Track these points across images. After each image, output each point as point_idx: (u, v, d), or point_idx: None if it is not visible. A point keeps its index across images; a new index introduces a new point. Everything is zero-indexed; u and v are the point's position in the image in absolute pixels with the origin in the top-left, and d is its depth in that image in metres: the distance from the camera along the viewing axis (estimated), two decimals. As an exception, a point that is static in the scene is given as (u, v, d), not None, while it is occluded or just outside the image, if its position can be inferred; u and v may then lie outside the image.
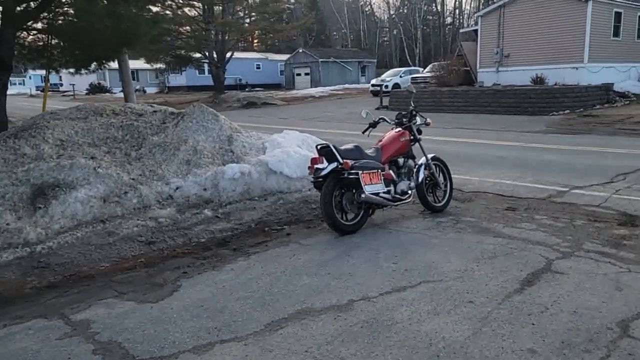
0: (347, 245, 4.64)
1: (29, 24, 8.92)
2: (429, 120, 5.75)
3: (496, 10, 22.38)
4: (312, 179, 4.96)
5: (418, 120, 5.66)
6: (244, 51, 52.27)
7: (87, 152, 5.97)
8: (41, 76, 54.80)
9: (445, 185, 5.84)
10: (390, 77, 31.84)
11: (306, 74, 45.66)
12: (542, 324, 3.05)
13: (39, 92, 55.17)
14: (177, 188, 5.73)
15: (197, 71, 40.73)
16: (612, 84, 19.02)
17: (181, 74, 42.39)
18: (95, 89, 46.31)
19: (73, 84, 44.90)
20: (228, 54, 32.32)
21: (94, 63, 9.60)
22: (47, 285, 3.84)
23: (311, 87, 41.89)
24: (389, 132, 5.56)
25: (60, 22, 9.40)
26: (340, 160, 4.74)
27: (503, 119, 16.37)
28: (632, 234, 4.67)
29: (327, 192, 4.76)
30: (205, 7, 31.05)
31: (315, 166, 4.81)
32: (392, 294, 3.57)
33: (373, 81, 32.64)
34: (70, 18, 9.16)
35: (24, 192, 5.07)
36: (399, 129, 5.55)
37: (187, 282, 3.86)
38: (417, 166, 5.57)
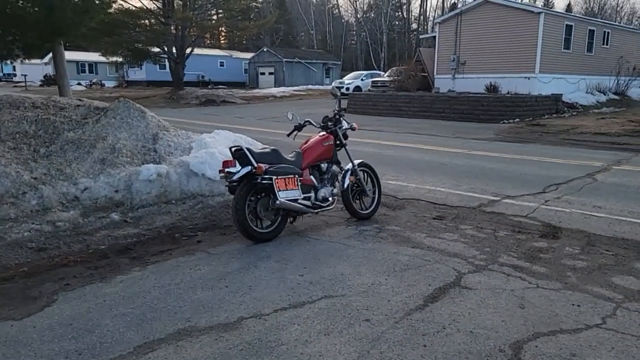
0: (257, 254, 4.37)
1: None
2: (354, 124, 5.55)
3: (454, 18, 22.63)
4: (227, 184, 4.67)
5: (344, 124, 5.45)
6: (210, 48, 51.34)
7: (-11, 148, 5.49)
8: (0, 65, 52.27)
9: (374, 192, 5.65)
10: (351, 79, 31.84)
11: (270, 73, 45.23)
12: (434, 345, 2.86)
13: (-5, 82, 52.60)
14: (85, 189, 5.32)
15: (157, 66, 39.65)
16: (562, 94, 19.46)
17: (141, 68, 41.26)
18: (50, 80, 44.40)
19: (25, 75, 43.07)
20: (188, 50, 31.54)
21: (20, 53, 8.99)
22: None
23: (275, 86, 41.51)
24: (313, 136, 5.32)
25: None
26: (254, 164, 4.46)
27: (455, 125, 16.47)
28: (550, 247, 4.58)
29: (240, 197, 4.48)
30: (165, 0, 30.23)
31: (227, 170, 4.51)
32: (288, 310, 3.31)
33: (334, 83, 32.57)
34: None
35: None
36: (324, 133, 5.32)
37: (65, 296, 3.49)
38: (342, 172, 5.36)
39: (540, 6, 21.14)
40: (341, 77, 38.27)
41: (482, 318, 3.18)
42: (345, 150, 5.47)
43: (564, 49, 21.26)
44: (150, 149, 6.36)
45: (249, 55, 49.65)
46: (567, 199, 6.43)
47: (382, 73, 34.51)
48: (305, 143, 5.27)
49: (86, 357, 2.73)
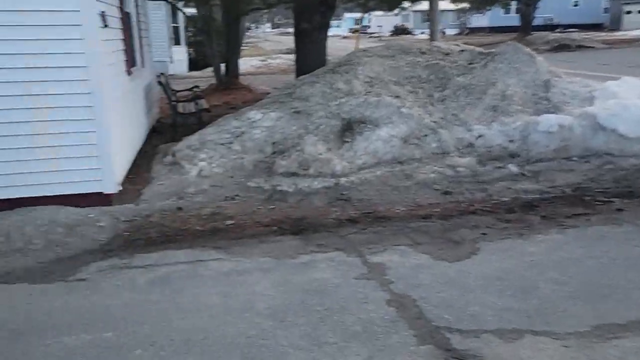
0: None
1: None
2: None
3: None
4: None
5: None
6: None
7: (392, 91, 5.93)
8: (354, 19, 60.53)
9: None
10: None
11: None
12: None
13: (350, 34, 61.12)
14: (479, 136, 5.19)
15: (502, 10, 37.80)
16: None
17: (484, 14, 40.22)
18: (399, 30, 48.27)
19: (380, 26, 47.97)
20: (542, -10, 28.71)
21: (405, 3, 9.56)
22: (347, 219, 3.94)
23: (644, 27, 33.93)
24: None
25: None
26: None
27: None
28: None
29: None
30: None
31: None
32: None
33: None
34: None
35: (334, 125, 5.36)
36: None
37: (487, 246, 3.38)
38: None
39: None
40: None
41: None
42: None
43: None
44: (542, 97, 5.75)
45: (612, -10, 41.87)
46: None
47: None
48: None
49: (536, 321, 2.48)
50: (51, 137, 4.03)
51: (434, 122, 5.36)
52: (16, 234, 3.58)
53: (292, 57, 10.66)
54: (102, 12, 4.25)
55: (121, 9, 5.45)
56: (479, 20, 43.56)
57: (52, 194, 4.10)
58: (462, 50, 7.22)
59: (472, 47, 7.41)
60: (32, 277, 3.08)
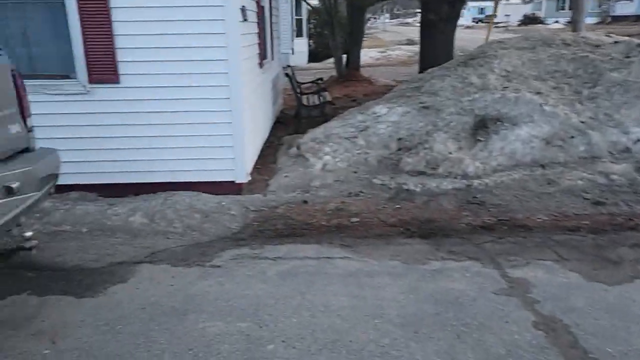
0: None
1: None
2: None
3: None
4: None
5: None
6: None
7: (533, 86, 5.43)
8: (479, 8, 57.48)
9: None
10: None
11: None
12: None
13: (473, 23, 58.14)
14: (638, 140, 4.54)
15: (654, -5, 33.38)
16: None
17: (632, 0, 35.95)
18: (528, 19, 44.88)
19: (508, 15, 44.96)
20: None
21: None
22: (480, 225, 3.66)
23: None
24: None
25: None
26: None
27: None
28: None
29: None
30: None
31: None
32: None
33: None
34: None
35: (466, 122, 5.04)
36: None
37: (657, 271, 2.91)
38: None
39: None
40: None
41: None
42: None
43: None
44: None
45: None
46: None
47: None
48: None
49: None
50: (192, 127, 4.28)
51: (583, 122, 4.80)
52: (159, 217, 3.85)
53: (412, 48, 10.22)
54: (243, 6, 4.39)
55: (258, 3, 5.62)
56: (625, 7, 38.92)
57: (189, 181, 4.36)
58: (616, 42, 6.41)
59: (628, 38, 6.55)
60: (173, 260, 3.27)
